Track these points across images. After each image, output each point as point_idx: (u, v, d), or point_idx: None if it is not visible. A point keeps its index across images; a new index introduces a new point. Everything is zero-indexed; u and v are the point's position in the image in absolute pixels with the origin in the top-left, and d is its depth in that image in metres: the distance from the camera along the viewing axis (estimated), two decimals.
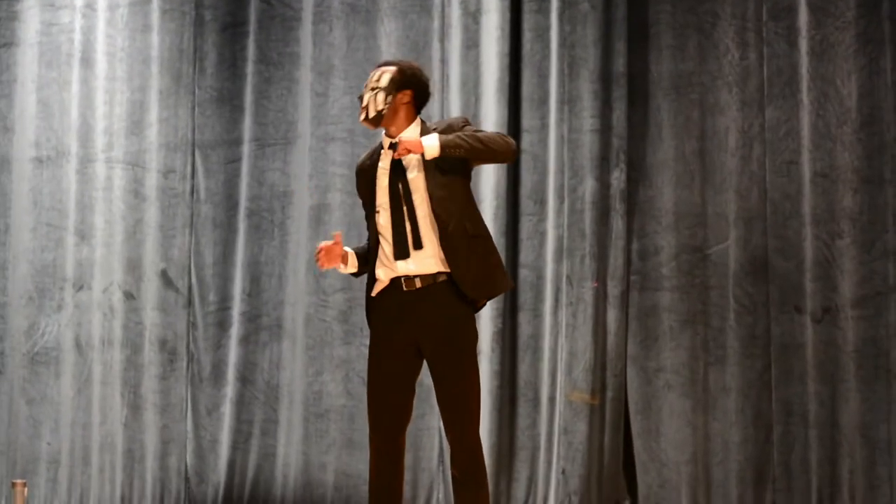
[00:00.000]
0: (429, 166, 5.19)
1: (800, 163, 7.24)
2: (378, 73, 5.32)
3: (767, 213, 7.27)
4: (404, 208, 5.19)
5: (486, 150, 5.19)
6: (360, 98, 5.30)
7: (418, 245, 5.17)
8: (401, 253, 5.19)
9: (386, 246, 5.23)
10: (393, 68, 5.33)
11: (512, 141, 5.29)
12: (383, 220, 5.24)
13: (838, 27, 7.23)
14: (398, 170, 5.22)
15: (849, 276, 7.12)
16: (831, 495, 7.08)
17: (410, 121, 5.33)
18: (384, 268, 5.24)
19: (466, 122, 5.35)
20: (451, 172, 5.22)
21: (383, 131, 5.34)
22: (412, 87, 5.33)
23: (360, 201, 5.47)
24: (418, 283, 5.19)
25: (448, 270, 5.17)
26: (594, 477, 7.26)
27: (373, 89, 5.27)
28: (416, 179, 5.21)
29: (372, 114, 5.25)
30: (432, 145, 5.12)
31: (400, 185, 5.21)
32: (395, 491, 5.27)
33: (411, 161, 5.21)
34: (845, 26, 7.22)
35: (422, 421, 7.27)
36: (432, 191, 5.18)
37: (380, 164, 5.31)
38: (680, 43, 7.46)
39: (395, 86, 5.28)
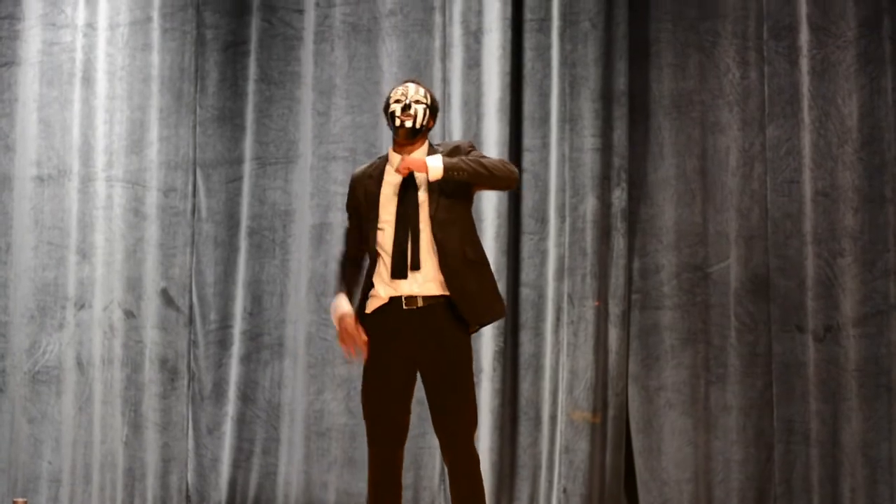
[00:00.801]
0: (432, 188, 5.22)
1: (801, 182, 7.24)
2: (419, 88, 5.38)
3: (768, 232, 7.27)
4: (409, 228, 5.20)
5: (490, 177, 5.22)
6: (407, 106, 5.29)
7: (416, 266, 5.18)
8: (398, 272, 5.20)
9: (387, 263, 5.24)
10: (428, 91, 5.40)
11: (515, 169, 5.33)
12: (386, 236, 5.24)
13: (839, 46, 7.24)
14: (411, 188, 5.24)
15: (850, 294, 7.12)
16: None
17: (422, 144, 5.37)
18: (384, 285, 5.25)
19: (472, 147, 5.38)
20: (454, 196, 5.24)
21: (390, 147, 5.38)
22: (435, 117, 5.43)
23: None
24: (420, 303, 5.20)
25: (447, 293, 5.20)
26: (595, 496, 7.25)
27: (418, 102, 5.32)
28: (421, 200, 5.23)
29: (418, 125, 5.29)
30: (436, 167, 5.15)
31: (410, 204, 5.22)
32: None
33: (419, 181, 5.23)
34: (846, 45, 7.23)
35: (423, 440, 7.26)
36: (434, 213, 5.21)
37: (386, 177, 5.32)
38: (681, 62, 7.47)
39: (432, 109, 5.38)
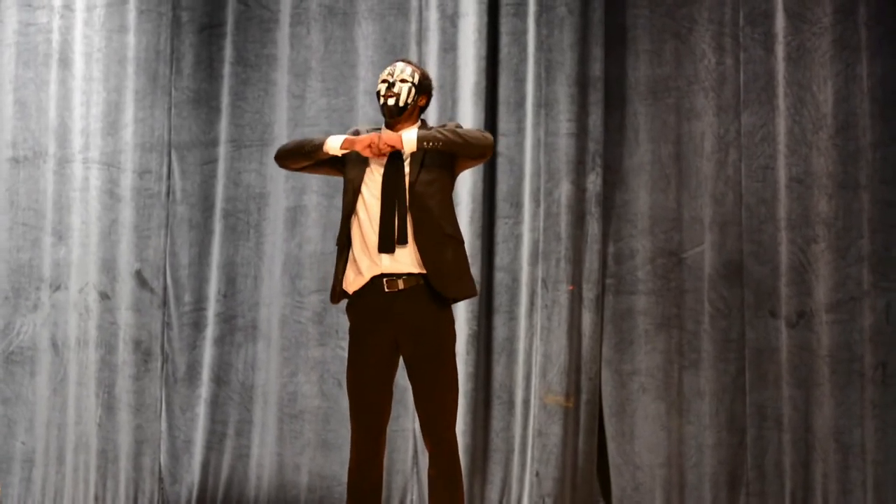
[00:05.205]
0: (415, 164, 5.29)
1: (775, 168, 7.26)
2: (406, 67, 5.44)
3: (743, 218, 7.29)
4: (395, 202, 5.22)
5: (464, 144, 5.27)
6: (391, 85, 5.36)
7: (403, 241, 5.19)
8: (386, 246, 5.22)
9: (371, 237, 5.25)
10: (417, 70, 5.45)
11: (490, 136, 5.39)
12: (370, 209, 5.26)
13: (815, 33, 7.25)
14: (397, 162, 5.28)
15: (823, 280, 7.14)
16: (804, 499, 7.10)
17: (414, 123, 5.43)
18: (368, 261, 5.25)
19: (459, 127, 5.44)
20: (435, 172, 5.30)
21: (383, 123, 5.45)
22: (427, 95, 5.49)
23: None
24: (401, 285, 5.23)
25: (424, 271, 5.22)
26: (568, 479, 7.26)
27: (403, 81, 5.37)
28: (405, 174, 5.29)
29: (402, 104, 5.35)
30: (410, 139, 5.25)
31: (395, 179, 5.25)
32: (375, 491, 5.31)
33: (404, 156, 5.30)
34: (822, 32, 7.24)
35: (396, 423, 7.26)
36: (412, 187, 5.26)
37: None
38: (657, 47, 7.47)
39: (419, 88, 5.42)
